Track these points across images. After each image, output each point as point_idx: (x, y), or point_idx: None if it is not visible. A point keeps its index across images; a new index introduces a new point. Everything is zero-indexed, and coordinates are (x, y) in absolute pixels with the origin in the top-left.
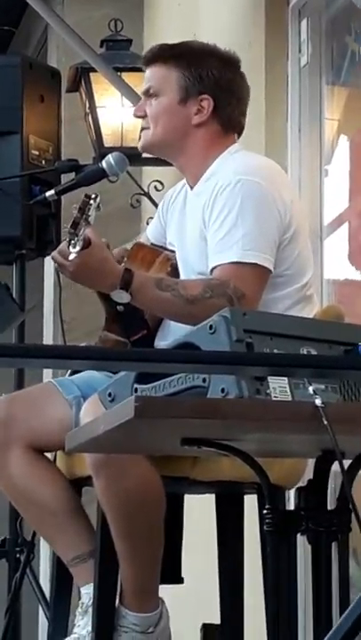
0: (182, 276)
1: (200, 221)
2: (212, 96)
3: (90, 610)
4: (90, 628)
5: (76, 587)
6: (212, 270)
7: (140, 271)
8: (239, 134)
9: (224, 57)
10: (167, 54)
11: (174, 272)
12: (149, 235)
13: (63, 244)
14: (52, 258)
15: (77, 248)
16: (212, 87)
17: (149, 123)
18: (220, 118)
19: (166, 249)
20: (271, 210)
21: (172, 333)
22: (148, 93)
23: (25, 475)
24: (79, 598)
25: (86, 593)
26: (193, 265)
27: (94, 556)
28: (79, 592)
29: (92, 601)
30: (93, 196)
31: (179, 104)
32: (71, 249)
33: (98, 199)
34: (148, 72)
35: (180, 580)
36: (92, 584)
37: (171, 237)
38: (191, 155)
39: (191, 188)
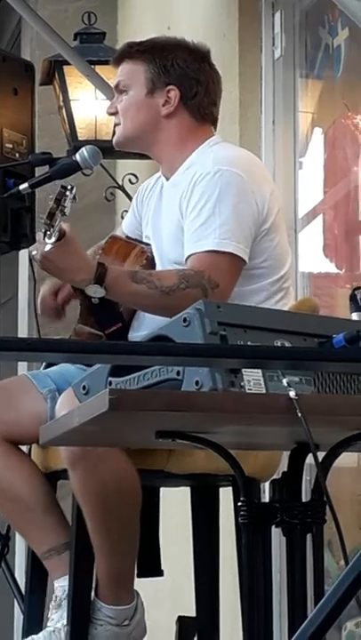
0: (158, 267)
1: (177, 211)
2: (178, 86)
3: (63, 603)
4: (64, 622)
5: (51, 581)
6: (187, 259)
7: (114, 265)
8: (214, 125)
9: (190, 48)
10: (134, 50)
11: (150, 264)
12: (125, 228)
13: (39, 236)
14: (30, 251)
15: (53, 239)
16: (179, 78)
17: (120, 118)
18: (190, 108)
19: (141, 242)
20: (249, 201)
21: (145, 325)
22: (118, 89)
23: None
24: (53, 592)
25: (60, 586)
26: (169, 255)
27: (68, 548)
28: (53, 586)
29: (65, 594)
30: (69, 187)
31: (146, 96)
32: (47, 239)
33: (74, 190)
34: (118, 70)
35: (160, 573)
36: (65, 577)
37: (146, 229)
38: (166, 146)
39: (167, 178)
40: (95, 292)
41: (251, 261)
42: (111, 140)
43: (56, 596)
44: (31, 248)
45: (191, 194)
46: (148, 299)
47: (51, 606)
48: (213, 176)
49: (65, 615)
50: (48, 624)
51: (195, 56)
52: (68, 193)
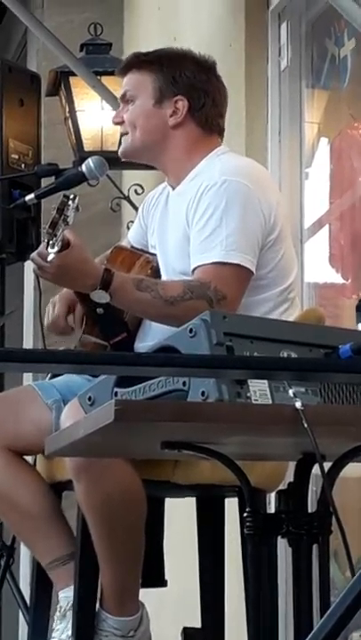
0: (164, 277)
1: (183, 221)
2: (186, 97)
3: (68, 614)
4: (69, 633)
5: (56, 591)
6: (193, 270)
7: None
8: (220, 136)
9: (198, 59)
10: (141, 60)
11: (155, 274)
12: (131, 239)
13: (42, 246)
14: (31, 259)
15: (56, 249)
16: (186, 88)
17: (127, 128)
18: (197, 119)
19: (147, 252)
20: (256, 211)
21: (151, 335)
22: (124, 99)
23: (4, 478)
24: (57, 602)
25: (64, 597)
26: (174, 265)
27: (73, 559)
28: (58, 597)
29: (69, 605)
30: (72, 196)
31: (154, 106)
32: (50, 249)
33: (76, 200)
34: (125, 80)
35: (163, 584)
36: (70, 588)
37: (152, 239)
38: (173, 156)
39: (173, 188)
40: (100, 297)
41: (257, 272)
42: (117, 151)
43: (60, 607)
44: (31, 256)
45: (198, 204)
46: (151, 307)
47: (55, 617)
48: (220, 187)
49: (69, 626)
50: (53, 635)
51: (202, 67)
52: (70, 202)
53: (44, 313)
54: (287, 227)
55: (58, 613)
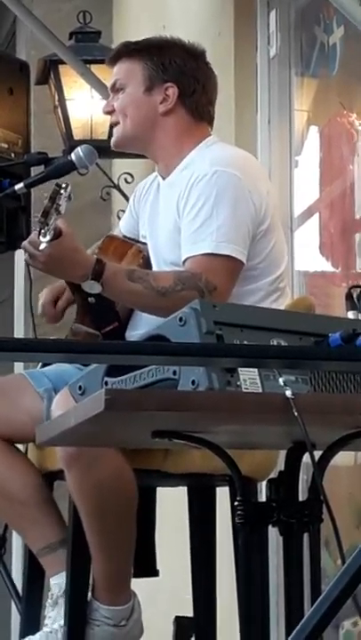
0: (154, 267)
1: (174, 212)
2: (176, 84)
3: (60, 601)
4: (62, 622)
5: (47, 579)
6: (184, 261)
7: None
8: (210, 124)
9: (187, 47)
10: (131, 49)
11: (146, 264)
12: (122, 228)
13: (34, 234)
14: (23, 247)
15: (48, 237)
16: (176, 75)
17: (118, 117)
18: (187, 106)
19: (138, 241)
20: (247, 202)
21: (142, 324)
22: (114, 88)
23: None
24: (49, 590)
25: (55, 584)
26: (165, 255)
27: (64, 545)
28: (49, 584)
29: (61, 592)
30: (64, 185)
31: (144, 94)
32: (41, 238)
33: (69, 189)
34: (115, 69)
35: (155, 573)
36: (61, 574)
37: (143, 229)
38: (163, 145)
39: (163, 178)
40: (91, 287)
41: (248, 262)
42: (107, 140)
43: (52, 594)
44: (23, 244)
45: (188, 195)
46: (143, 298)
47: (47, 604)
48: (210, 178)
49: (62, 615)
50: (45, 622)
51: (191, 55)
52: (62, 191)
53: (35, 302)
54: (277, 216)
55: (50, 600)
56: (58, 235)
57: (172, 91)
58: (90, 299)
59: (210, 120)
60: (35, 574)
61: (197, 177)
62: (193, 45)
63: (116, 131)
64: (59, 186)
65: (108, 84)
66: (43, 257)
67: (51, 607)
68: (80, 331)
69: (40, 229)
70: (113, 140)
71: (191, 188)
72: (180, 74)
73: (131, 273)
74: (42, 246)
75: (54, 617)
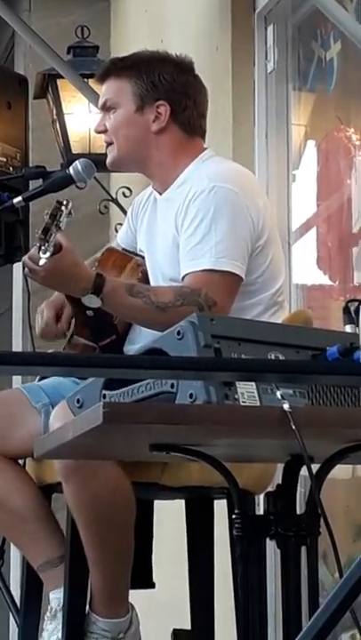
0: (152, 282)
1: (172, 227)
2: (167, 101)
3: (58, 614)
4: (60, 635)
5: (46, 592)
6: (183, 277)
7: (111, 276)
8: (203, 137)
9: (176, 61)
10: (119, 67)
11: (145, 278)
12: (120, 241)
13: (34, 250)
14: (23, 262)
15: (48, 254)
16: (167, 92)
17: (111, 137)
18: (180, 122)
19: (137, 254)
20: (245, 217)
21: (141, 338)
22: (105, 107)
23: None
24: (48, 603)
25: (55, 598)
26: (164, 271)
27: (64, 561)
28: (49, 598)
29: (60, 606)
30: (65, 202)
31: (135, 113)
32: (41, 254)
33: (69, 205)
34: (104, 87)
35: (151, 585)
36: (61, 589)
37: (140, 243)
38: (159, 162)
39: (160, 193)
40: (92, 301)
41: (247, 277)
42: (105, 154)
43: (51, 608)
44: (23, 259)
45: (186, 211)
46: (142, 313)
47: (46, 617)
48: (208, 193)
49: (60, 627)
50: (43, 634)
51: (181, 69)
52: (63, 208)
53: (33, 315)
54: (275, 230)
55: (48, 614)
56: (58, 249)
57: (164, 109)
58: (88, 312)
59: (202, 134)
60: (33, 586)
61: (195, 193)
62: (181, 58)
63: (110, 151)
64: (59, 202)
65: (99, 102)
66: (43, 272)
67: (49, 620)
68: (78, 343)
69: (40, 245)
70: (108, 160)
71: (189, 204)
72: (170, 91)
73: (131, 288)
74: (42, 262)
75: (52, 630)
